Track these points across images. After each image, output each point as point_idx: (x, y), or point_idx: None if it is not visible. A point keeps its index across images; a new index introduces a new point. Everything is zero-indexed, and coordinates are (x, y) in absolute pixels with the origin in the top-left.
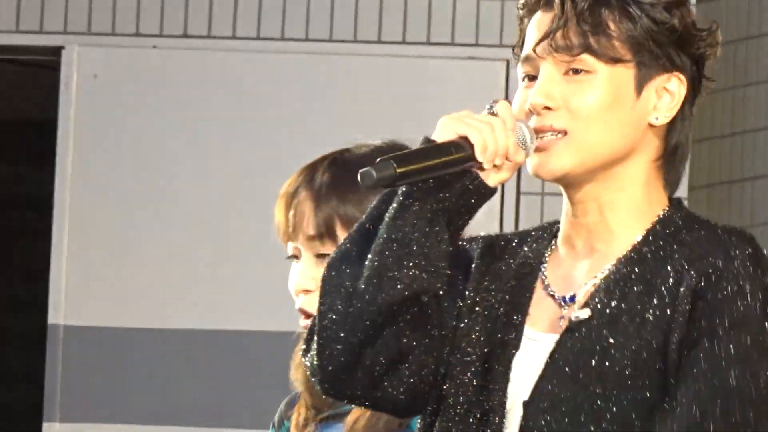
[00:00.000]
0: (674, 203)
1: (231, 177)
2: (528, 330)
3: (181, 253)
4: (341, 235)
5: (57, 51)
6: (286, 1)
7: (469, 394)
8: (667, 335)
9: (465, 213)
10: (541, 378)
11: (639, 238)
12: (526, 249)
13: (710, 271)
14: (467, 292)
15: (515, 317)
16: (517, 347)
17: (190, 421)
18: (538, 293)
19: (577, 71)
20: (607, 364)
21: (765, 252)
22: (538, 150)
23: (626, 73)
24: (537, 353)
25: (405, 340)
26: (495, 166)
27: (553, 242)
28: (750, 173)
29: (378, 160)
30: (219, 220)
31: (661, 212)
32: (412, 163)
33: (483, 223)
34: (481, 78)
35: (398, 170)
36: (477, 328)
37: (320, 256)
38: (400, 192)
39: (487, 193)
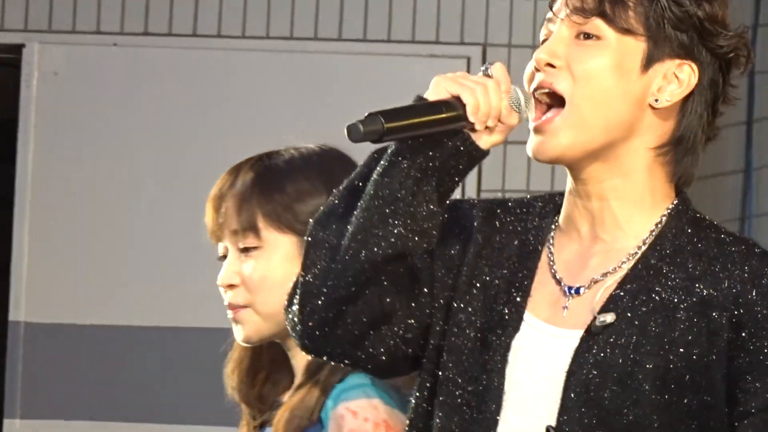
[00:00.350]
0: (681, 200)
1: (193, 174)
2: (528, 315)
3: (143, 250)
4: (263, 229)
5: (18, 49)
6: None
7: (465, 372)
8: (703, 356)
9: (455, 174)
10: (564, 401)
11: (647, 235)
12: (529, 224)
13: (742, 300)
14: (465, 260)
15: (517, 297)
16: (516, 329)
17: (151, 417)
18: (542, 275)
19: (588, 36)
20: (630, 382)
21: None
22: (536, 132)
23: (636, 45)
24: (542, 344)
25: (389, 300)
26: (487, 128)
27: (557, 219)
28: (709, 171)
29: (366, 114)
30: (181, 217)
31: (668, 208)
32: (401, 119)
33: None
34: None
35: (386, 125)
36: (475, 303)
37: (243, 250)
38: (389, 149)
39: (478, 155)
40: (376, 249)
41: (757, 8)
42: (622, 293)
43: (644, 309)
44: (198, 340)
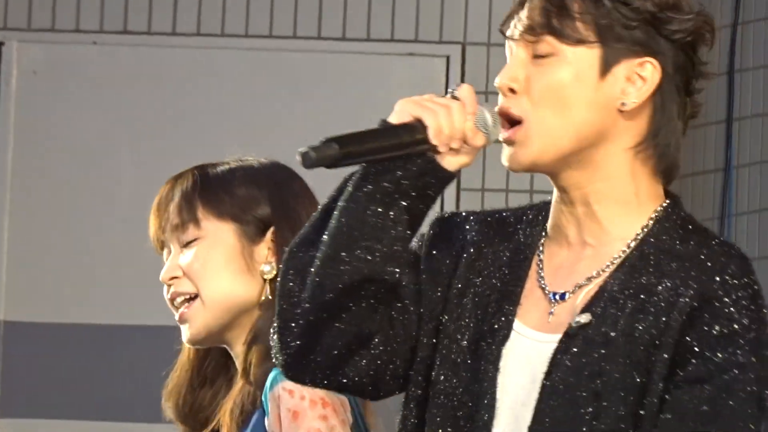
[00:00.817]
0: (671, 200)
1: (172, 172)
2: (517, 323)
3: (123, 249)
4: (203, 219)
5: None
6: None
7: (457, 383)
8: (653, 357)
9: (424, 197)
10: (540, 401)
11: (633, 237)
12: (520, 233)
13: (705, 300)
14: (457, 272)
15: (507, 306)
16: (506, 337)
17: (131, 416)
18: (531, 283)
19: (543, 55)
20: (599, 381)
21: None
22: (508, 144)
23: (589, 54)
24: (527, 351)
25: (365, 324)
26: (452, 149)
27: (547, 226)
28: (689, 169)
29: (324, 139)
30: None
31: (656, 210)
32: (357, 144)
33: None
34: (421, 74)
35: (341, 151)
36: (467, 315)
37: (186, 245)
38: (356, 173)
39: (445, 177)
40: (341, 275)
41: (736, 6)
42: (600, 295)
43: (620, 310)
44: (179, 339)
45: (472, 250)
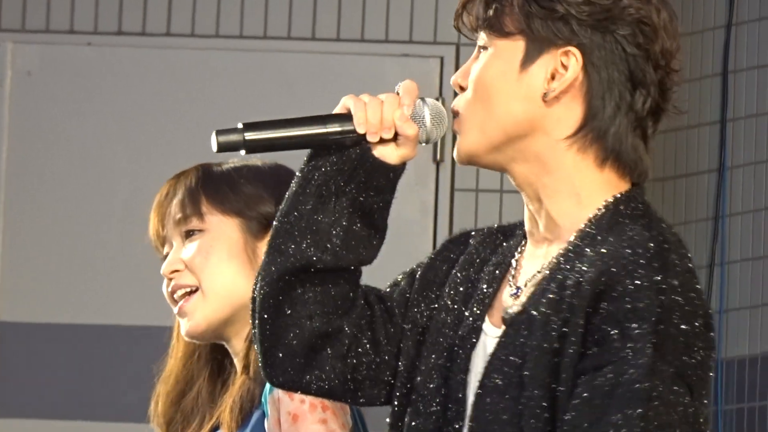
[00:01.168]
0: (629, 192)
1: (166, 173)
2: (486, 324)
3: (118, 249)
4: (207, 213)
5: None
6: None
7: (433, 388)
8: (564, 343)
9: (370, 189)
10: (478, 394)
11: (578, 228)
12: (509, 240)
13: (608, 285)
14: (447, 283)
15: (477, 311)
16: (475, 341)
17: (127, 416)
18: (505, 284)
19: (483, 49)
20: (525, 371)
21: (676, 250)
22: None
23: (514, 46)
24: (486, 348)
25: (321, 321)
26: (385, 140)
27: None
28: (683, 170)
29: (242, 125)
30: None
31: (606, 200)
32: (268, 130)
33: (418, 220)
34: (415, 75)
35: (246, 135)
36: (447, 322)
37: (187, 234)
38: (301, 166)
39: (385, 168)
40: (278, 265)
41: (730, 7)
42: (534, 285)
43: (543, 298)
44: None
45: (464, 260)
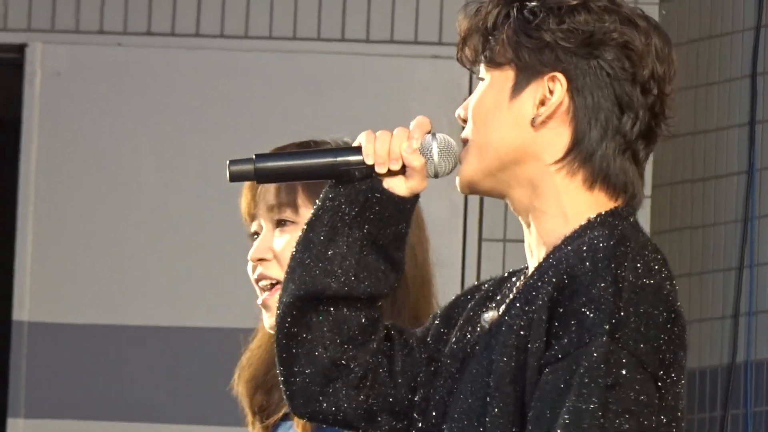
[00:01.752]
0: (615, 209)
1: (195, 174)
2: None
3: (146, 250)
4: (303, 206)
5: (20, 48)
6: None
7: (436, 415)
8: (528, 344)
9: (381, 220)
10: (453, 405)
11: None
12: (514, 279)
13: (566, 283)
14: (462, 319)
15: (469, 334)
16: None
17: (154, 417)
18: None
19: (481, 80)
20: (490, 382)
21: (639, 248)
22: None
23: (506, 76)
24: None
25: (332, 352)
26: (397, 173)
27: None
28: (712, 172)
29: (255, 155)
30: (183, 216)
31: (590, 218)
32: (280, 160)
33: (447, 219)
34: (445, 77)
35: (257, 166)
36: (456, 355)
37: (279, 223)
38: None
39: (395, 199)
40: (289, 292)
41: (759, 9)
42: (511, 298)
43: (517, 305)
44: (203, 340)
45: (478, 297)
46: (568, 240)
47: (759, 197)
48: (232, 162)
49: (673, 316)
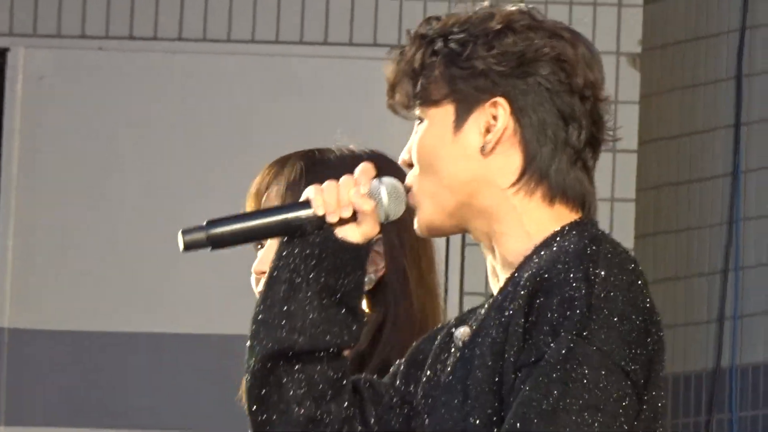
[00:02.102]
0: (572, 223)
1: (179, 178)
2: None
3: (128, 256)
4: None
5: (2, 53)
6: (232, 3)
7: None
8: (505, 350)
9: (337, 270)
10: (432, 421)
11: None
12: (479, 310)
13: (537, 285)
14: (430, 358)
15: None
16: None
17: (136, 423)
18: None
19: (420, 122)
20: (469, 392)
21: (611, 249)
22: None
23: (445, 111)
24: None
25: (307, 409)
26: (345, 220)
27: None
28: (697, 174)
29: (206, 222)
30: (166, 222)
31: (554, 230)
32: (232, 224)
33: None
34: None
35: (209, 233)
36: (429, 392)
37: None
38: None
39: (349, 247)
40: (257, 354)
41: (744, 11)
42: (485, 310)
43: (489, 318)
44: (184, 346)
45: (444, 333)
46: (537, 249)
47: (744, 200)
48: (185, 231)
49: (647, 314)
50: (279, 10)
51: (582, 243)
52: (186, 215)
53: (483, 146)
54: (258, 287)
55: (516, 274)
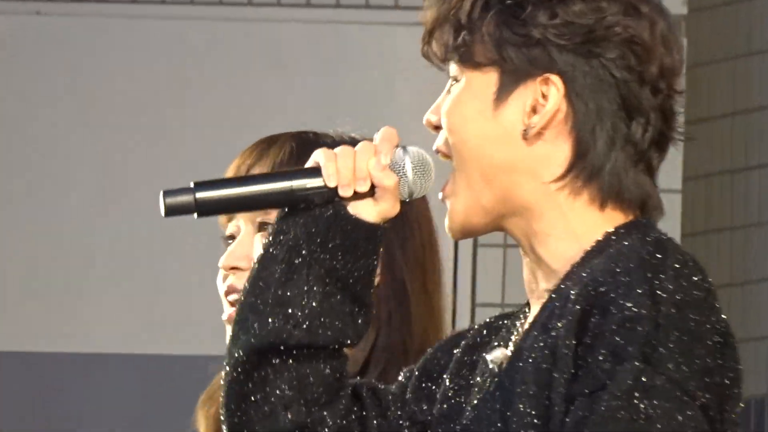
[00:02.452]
0: (628, 223)
1: (133, 163)
2: None
3: (105, 276)
4: None
5: None
6: None
7: None
8: (553, 373)
9: (347, 253)
10: None
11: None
12: (507, 321)
13: (591, 292)
14: (448, 374)
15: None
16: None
17: None
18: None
19: (455, 80)
20: (508, 412)
21: (680, 259)
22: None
23: (487, 78)
24: None
25: (296, 414)
26: (360, 194)
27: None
28: (755, 161)
29: (193, 184)
30: (121, 216)
31: (606, 232)
32: (224, 188)
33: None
34: None
35: (198, 196)
36: (446, 413)
37: (263, 226)
38: (268, 229)
39: (363, 227)
40: (244, 344)
41: None
42: (525, 329)
43: (532, 337)
44: (167, 368)
45: (464, 345)
46: (588, 255)
47: None
48: (167, 193)
49: (722, 335)
50: None
51: (645, 250)
52: (144, 211)
53: (526, 129)
54: (224, 284)
55: (563, 286)
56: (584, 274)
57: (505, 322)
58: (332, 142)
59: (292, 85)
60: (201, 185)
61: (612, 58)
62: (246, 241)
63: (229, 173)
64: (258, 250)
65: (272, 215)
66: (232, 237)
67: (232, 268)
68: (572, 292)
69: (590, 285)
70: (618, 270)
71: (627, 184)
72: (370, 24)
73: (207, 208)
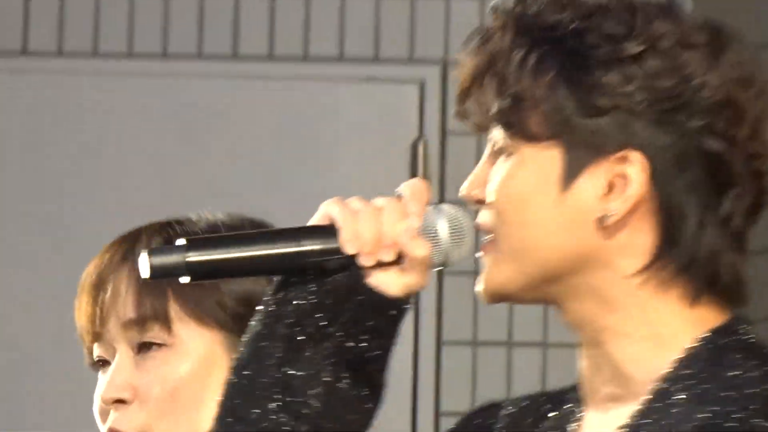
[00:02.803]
0: (721, 326)
1: (85, 229)
2: None
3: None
4: (177, 320)
5: None
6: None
7: None
8: None
9: (362, 332)
10: None
11: (657, 377)
12: (552, 414)
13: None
14: None
15: None
16: None
17: None
18: None
19: (500, 151)
20: None
21: None
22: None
23: (547, 155)
24: None
25: None
26: (384, 264)
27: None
28: None
29: (182, 241)
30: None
31: (696, 340)
32: (221, 248)
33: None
34: (384, 108)
35: (190, 258)
36: None
37: (143, 347)
38: (265, 298)
39: (385, 302)
40: None
41: None
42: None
43: None
44: None
45: (502, 416)
46: (681, 368)
47: None
48: (153, 252)
49: None
50: (166, 18)
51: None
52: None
53: (603, 216)
54: (106, 423)
55: (654, 402)
56: (685, 404)
57: (551, 414)
58: (201, 229)
59: (212, 147)
60: (193, 243)
61: (699, 126)
62: (124, 366)
63: (87, 276)
64: (146, 373)
65: (154, 332)
66: (104, 362)
67: (116, 402)
68: (668, 416)
69: (705, 429)
70: (739, 418)
71: (721, 273)
72: (308, 80)
73: (200, 272)
